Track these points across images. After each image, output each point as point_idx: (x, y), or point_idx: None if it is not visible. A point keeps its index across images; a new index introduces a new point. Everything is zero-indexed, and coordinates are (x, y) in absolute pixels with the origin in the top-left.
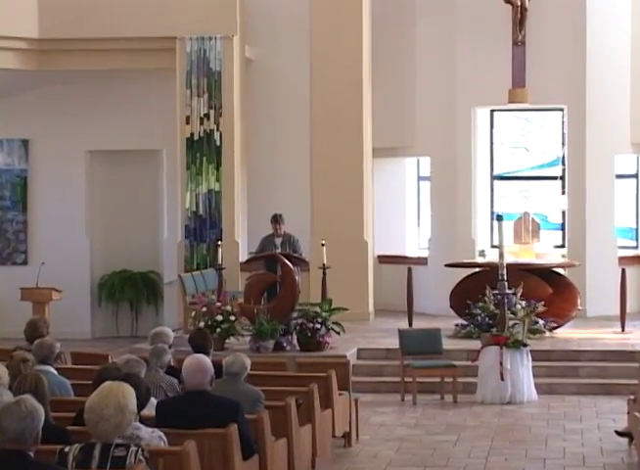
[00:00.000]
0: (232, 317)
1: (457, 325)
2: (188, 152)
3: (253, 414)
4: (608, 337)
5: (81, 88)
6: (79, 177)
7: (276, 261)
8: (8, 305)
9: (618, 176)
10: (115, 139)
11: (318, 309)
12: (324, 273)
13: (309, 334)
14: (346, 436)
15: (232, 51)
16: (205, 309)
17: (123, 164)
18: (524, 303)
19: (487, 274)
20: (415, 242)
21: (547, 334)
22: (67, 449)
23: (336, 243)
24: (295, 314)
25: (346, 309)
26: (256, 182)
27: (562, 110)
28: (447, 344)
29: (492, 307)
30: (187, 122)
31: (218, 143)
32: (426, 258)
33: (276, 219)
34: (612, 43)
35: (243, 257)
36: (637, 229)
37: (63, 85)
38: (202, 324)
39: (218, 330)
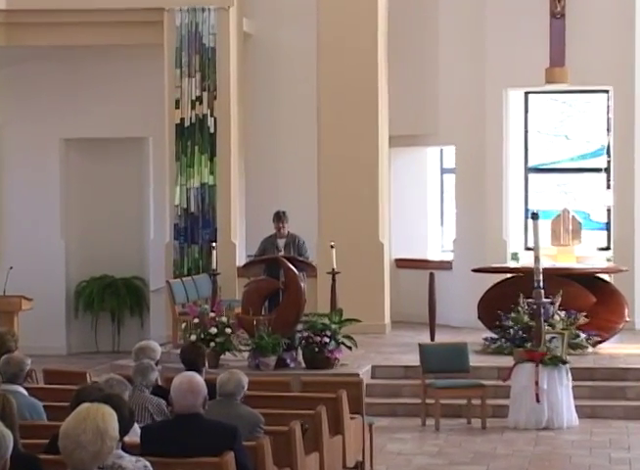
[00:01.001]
0: (228, 330)
1: (486, 339)
2: (178, 140)
3: (252, 441)
4: None
5: (56, 67)
6: (53, 169)
7: (279, 266)
8: None
9: None
10: (94, 126)
11: (327, 321)
12: (333, 279)
13: (317, 349)
14: (359, 466)
15: (228, 24)
16: (196, 321)
17: (104, 155)
18: (563, 313)
19: (521, 281)
20: (438, 243)
21: (590, 349)
22: None
23: (347, 245)
24: (300, 327)
25: (359, 321)
26: (256, 175)
27: (607, 92)
28: (475, 360)
29: (526, 319)
30: (176, 107)
31: (212, 130)
32: (450, 262)
33: (279, 217)
34: None
35: (240, 260)
36: None
37: (34, 64)
38: (193, 337)
39: (212, 344)
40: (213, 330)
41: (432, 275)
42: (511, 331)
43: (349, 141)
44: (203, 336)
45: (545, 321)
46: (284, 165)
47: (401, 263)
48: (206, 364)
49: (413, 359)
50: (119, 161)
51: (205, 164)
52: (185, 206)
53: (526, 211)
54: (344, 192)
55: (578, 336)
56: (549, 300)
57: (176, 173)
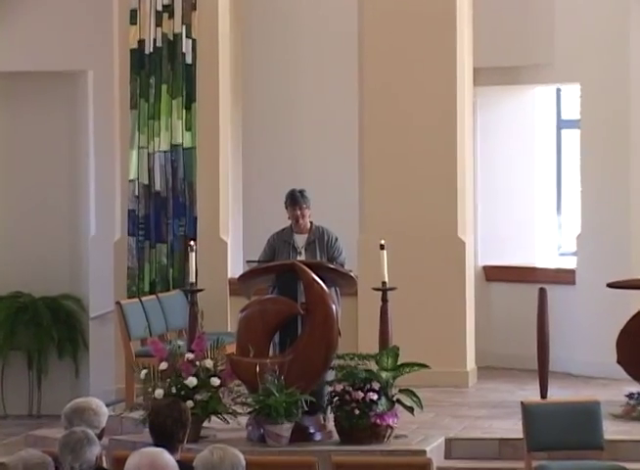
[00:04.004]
0: (215, 381)
1: (630, 396)
2: (134, 76)
3: None
4: None
5: None
6: None
7: (296, 278)
8: None
9: None
10: (5, 54)
11: (374, 366)
12: (384, 300)
13: (357, 411)
14: None
15: None
16: (164, 366)
17: (18, 98)
18: None
19: None
20: (552, 243)
21: None
22: None
23: (406, 245)
24: (330, 376)
25: (426, 367)
26: (260, 135)
27: None
28: (612, 430)
29: None
30: (132, 21)
31: (190, 60)
32: (572, 272)
33: (296, 201)
34: None
35: (235, 269)
36: None
37: None
38: (159, 393)
39: (190, 404)
40: (192, 381)
41: (542, 293)
42: None
43: (410, 81)
44: (175, 391)
45: None
46: (304, 121)
47: (493, 274)
48: (186, 436)
49: (512, 428)
50: (38, 109)
51: (177, 115)
52: (146, 181)
53: None
54: (402, 163)
55: None
56: None
57: (131, 129)
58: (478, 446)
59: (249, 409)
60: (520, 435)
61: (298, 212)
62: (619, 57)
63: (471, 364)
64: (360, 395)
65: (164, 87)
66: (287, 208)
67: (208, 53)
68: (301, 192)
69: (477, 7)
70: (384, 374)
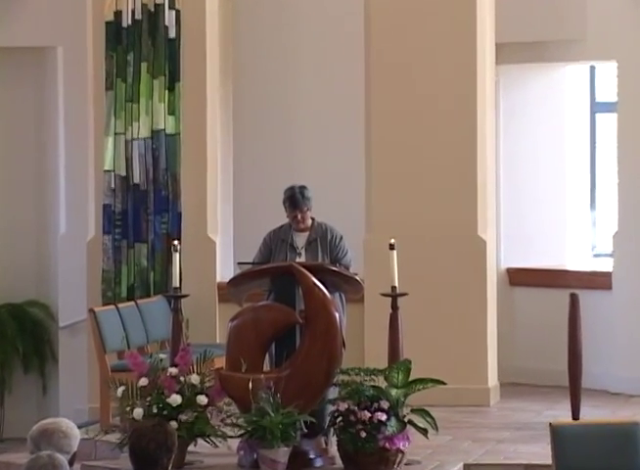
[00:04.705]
0: (202, 399)
1: None
2: (109, 52)
3: None
4: None
5: None
6: None
7: (294, 282)
8: None
9: None
10: None
11: (382, 383)
12: (395, 307)
13: (363, 434)
14: None
15: None
16: (144, 382)
17: None
18: None
19: None
20: (585, 243)
21: None
22: None
23: (419, 244)
24: (333, 393)
25: (442, 383)
26: (252, 120)
27: None
28: None
29: None
30: None
31: (173, 34)
32: (608, 276)
33: (295, 198)
34: None
35: (225, 272)
36: None
37: None
38: (138, 412)
39: (174, 425)
40: (176, 399)
41: (574, 299)
42: None
43: (420, 54)
44: (156, 410)
45: None
46: (302, 105)
47: (518, 277)
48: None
49: (539, 453)
50: (1, 91)
51: (159, 97)
52: (123, 173)
53: None
54: (412, 153)
55: None
56: None
57: (107, 113)
58: None
59: (240, 431)
60: (548, 460)
61: (299, 216)
62: None
63: (493, 380)
64: (367, 415)
65: (144, 65)
66: (285, 204)
67: (194, 26)
68: (302, 192)
69: None
70: (394, 391)
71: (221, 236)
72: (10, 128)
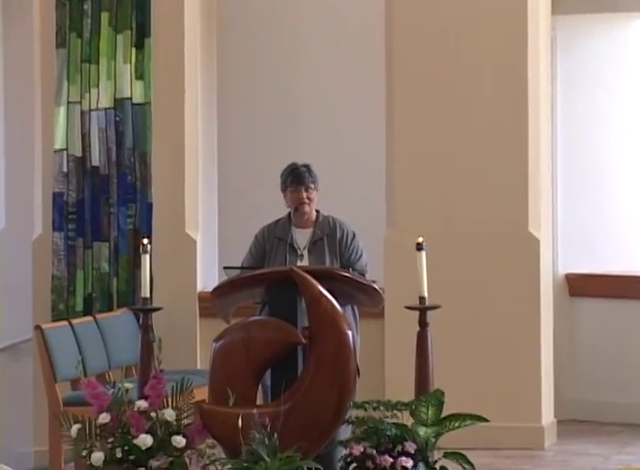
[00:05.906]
0: (178, 440)
1: None
2: (62, 2)
3: None
4: None
5: None
6: None
7: (295, 292)
8: None
9: None
10: None
11: (408, 420)
12: (423, 323)
13: None
14: None
15: None
16: (106, 418)
17: None
18: None
19: None
20: None
21: None
22: None
23: (453, 244)
24: (345, 432)
25: (484, 420)
26: (240, 85)
27: None
28: None
29: None
30: None
31: None
32: None
33: (300, 178)
34: None
35: (208, 279)
36: None
37: None
38: (97, 457)
39: None
40: (145, 440)
41: None
42: None
43: (455, 5)
44: (121, 454)
45: None
46: (305, 70)
47: (580, 286)
48: None
49: None
50: None
51: (124, 57)
52: (79, 153)
53: None
54: (444, 133)
55: None
56: None
57: (57, 77)
58: None
59: None
60: None
61: (304, 195)
62: None
63: (548, 417)
64: (388, 460)
65: (105, 16)
66: (286, 190)
67: None
68: (306, 168)
69: None
70: (422, 431)
71: (203, 233)
72: None
